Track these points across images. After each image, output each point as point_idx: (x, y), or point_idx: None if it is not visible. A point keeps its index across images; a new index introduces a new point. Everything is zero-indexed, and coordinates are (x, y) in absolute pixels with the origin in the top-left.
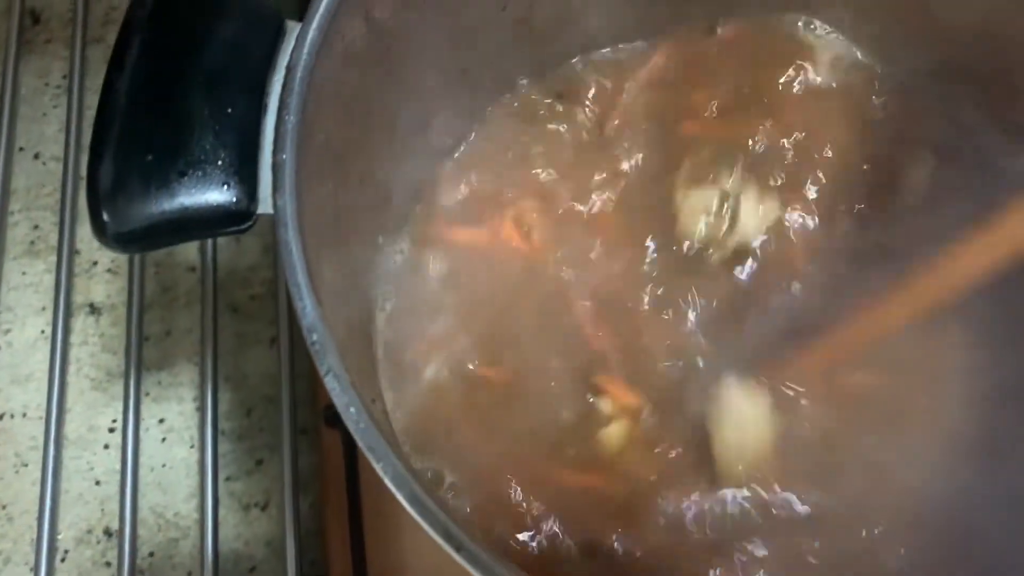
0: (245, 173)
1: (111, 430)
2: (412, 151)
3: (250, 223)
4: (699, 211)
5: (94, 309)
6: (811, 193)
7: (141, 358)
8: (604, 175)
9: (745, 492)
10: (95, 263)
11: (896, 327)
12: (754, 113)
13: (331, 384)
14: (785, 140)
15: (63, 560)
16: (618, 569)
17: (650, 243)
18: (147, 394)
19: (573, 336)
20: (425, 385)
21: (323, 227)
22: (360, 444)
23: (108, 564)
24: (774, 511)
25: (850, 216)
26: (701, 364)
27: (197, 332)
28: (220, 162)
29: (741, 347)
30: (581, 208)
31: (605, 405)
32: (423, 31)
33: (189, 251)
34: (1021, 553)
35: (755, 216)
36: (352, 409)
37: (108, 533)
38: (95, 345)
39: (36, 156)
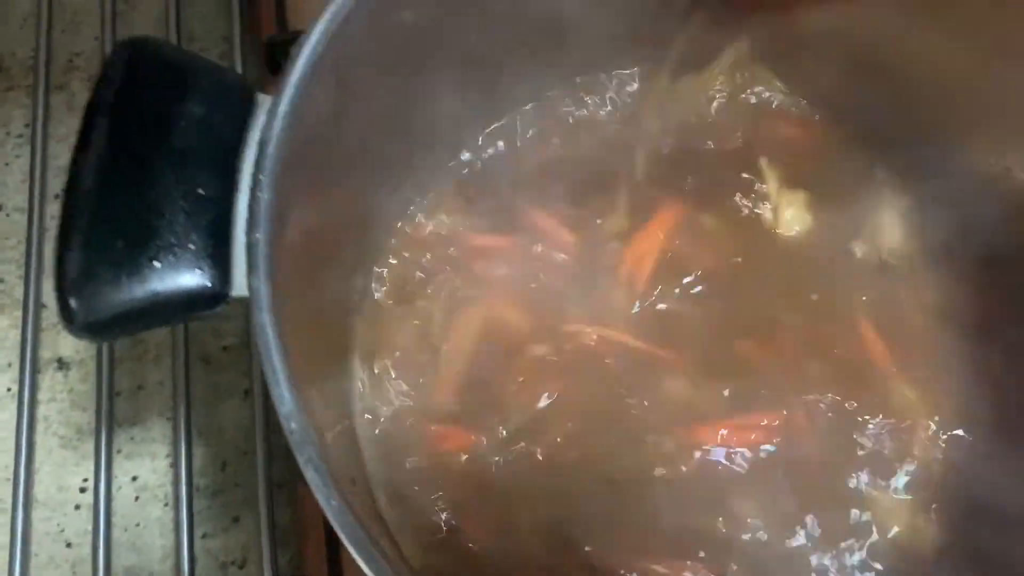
0: (218, 255)
1: (82, 490)
2: (385, 213)
3: (224, 306)
4: None
5: (62, 364)
6: None
7: (112, 414)
8: None
9: None
10: None
11: None
12: None
13: (311, 476)
14: None
15: None
16: None
17: None
18: (119, 451)
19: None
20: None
21: (300, 303)
22: (340, 536)
23: None
24: None
25: None
26: None
27: (169, 385)
28: (192, 245)
29: None
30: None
31: None
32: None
33: None
34: None
35: None
36: (333, 502)
37: None
38: (64, 402)
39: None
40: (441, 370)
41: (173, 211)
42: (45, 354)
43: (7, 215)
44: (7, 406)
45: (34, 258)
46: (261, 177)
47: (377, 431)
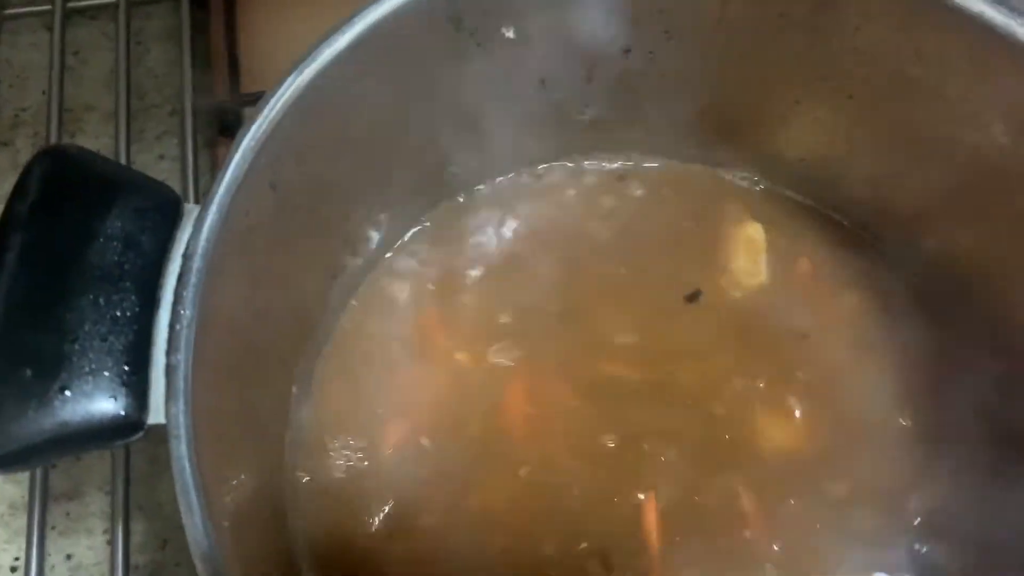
0: (135, 380)
1: (13, 569)
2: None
3: (140, 434)
4: None
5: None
6: None
7: (47, 488)
8: None
9: None
10: None
11: None
12: None
13: None
14: None
15: None
16: None
17: None
18: (53, 527)
19: None
20: None
21: (226, 428)
22: None
23: None
24: None
25: None
26: None
27: (108, 458)
28: (107, 371)
29: None
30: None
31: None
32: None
33: None
34: None
35: None
36: None
37: None
38: None
39: None
40: None
41: (88, 335)
42: None
43: None
44: None
45: None
46: (184, 293)
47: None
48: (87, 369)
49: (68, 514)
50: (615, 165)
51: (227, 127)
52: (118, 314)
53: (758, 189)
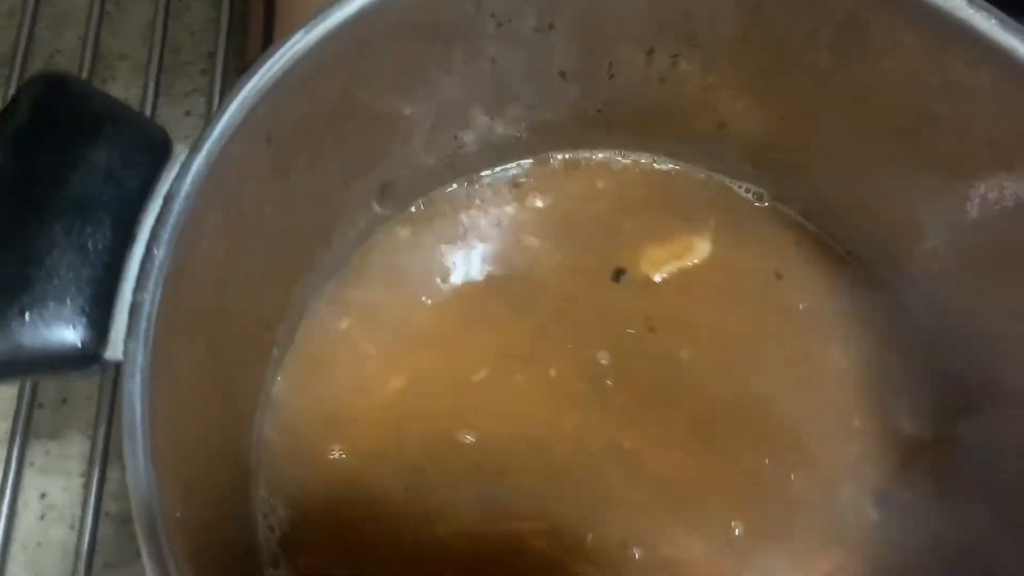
0: (97, 313)
1: None
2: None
3: (97, 366)
4: None
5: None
6: None
7: (30, 426)
8: None
9: None
10: None
11: None
12: None
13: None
14: None
15: None
16: None
17: None
18: (31, 464)
19: None
20: None
21: (189, 376)
22: None
23: None
24: None
25: None
26: None
27: (94, 404)
28: (69, 300)
29: None
30: None
31: None
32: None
33: None
34: None
35: None
36: None
37: None
38: None
39: None
40: None
41: (55, 262)
42: None
43: None
44: None
45: None
46: (160, 232)
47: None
48: (49, 295)
49: (48, 453)
50: (627, 161)
51: None
52: (89, 246)
53: (764, 206)
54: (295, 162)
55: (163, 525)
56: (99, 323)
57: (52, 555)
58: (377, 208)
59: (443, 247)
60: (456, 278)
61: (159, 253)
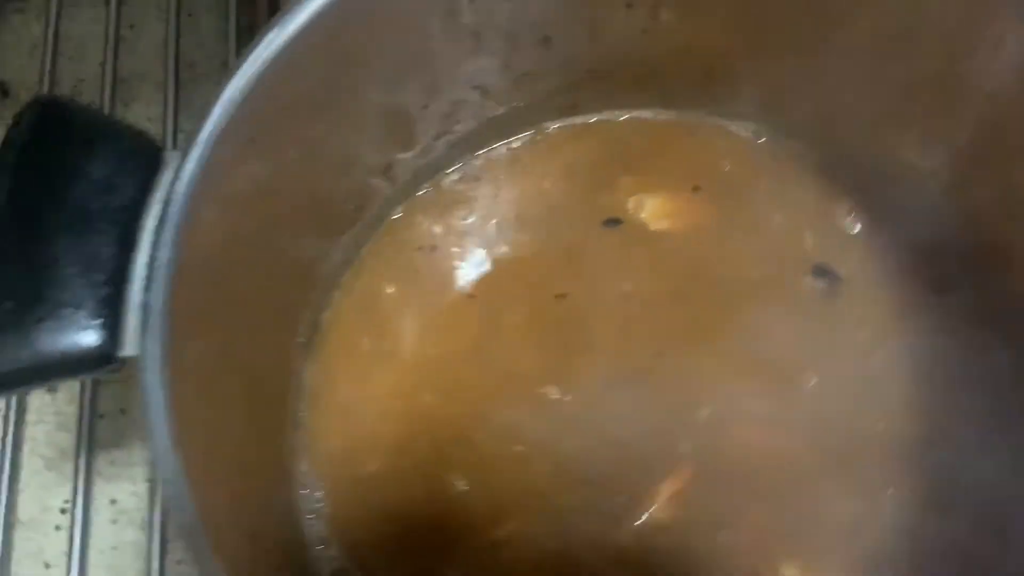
0: (110, 315)
1: (63, 511)
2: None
3: (115, 365)
4: None
5: (51, 386)
6: None
7: (94, 436)
8: None
9: None
10: None
11: None
12: None
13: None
14: None
15: None
16: None
17: None
18: (99, 474)
19: None
20: None
21: (207, 368)
22: None
23: None
24: None
25: None
26: None
27: None
28: (83, 305)
29: None
30: None
31: None
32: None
33: None
34: None
35: None
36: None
37: None
38: (50, 423)
39: None
40: None
41: (65, 273)
42: None
43: None
44: None
45: None
46: (163, 233)
47: None
48: (63, 303)
49: (113, 462)
50: (623, 118)
51: None
52: (96, 253)
53: (760, 142)
54: (287, 156)
55: (193, 504)
56: (112, 325)
57: (127, 556)
58: (383, 187)
59: (451, 229)
60: (470, 262)
61: (162, 254)
